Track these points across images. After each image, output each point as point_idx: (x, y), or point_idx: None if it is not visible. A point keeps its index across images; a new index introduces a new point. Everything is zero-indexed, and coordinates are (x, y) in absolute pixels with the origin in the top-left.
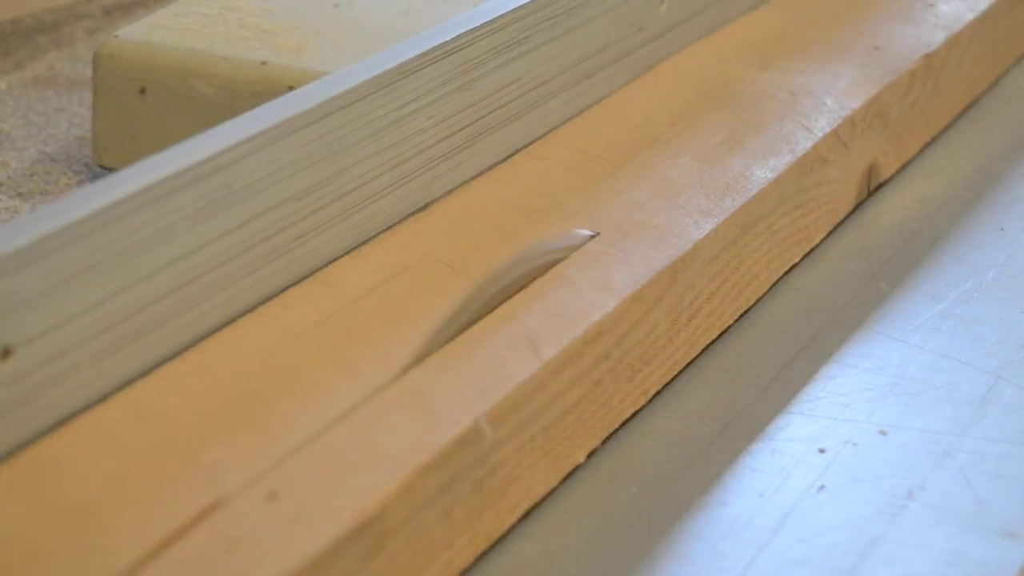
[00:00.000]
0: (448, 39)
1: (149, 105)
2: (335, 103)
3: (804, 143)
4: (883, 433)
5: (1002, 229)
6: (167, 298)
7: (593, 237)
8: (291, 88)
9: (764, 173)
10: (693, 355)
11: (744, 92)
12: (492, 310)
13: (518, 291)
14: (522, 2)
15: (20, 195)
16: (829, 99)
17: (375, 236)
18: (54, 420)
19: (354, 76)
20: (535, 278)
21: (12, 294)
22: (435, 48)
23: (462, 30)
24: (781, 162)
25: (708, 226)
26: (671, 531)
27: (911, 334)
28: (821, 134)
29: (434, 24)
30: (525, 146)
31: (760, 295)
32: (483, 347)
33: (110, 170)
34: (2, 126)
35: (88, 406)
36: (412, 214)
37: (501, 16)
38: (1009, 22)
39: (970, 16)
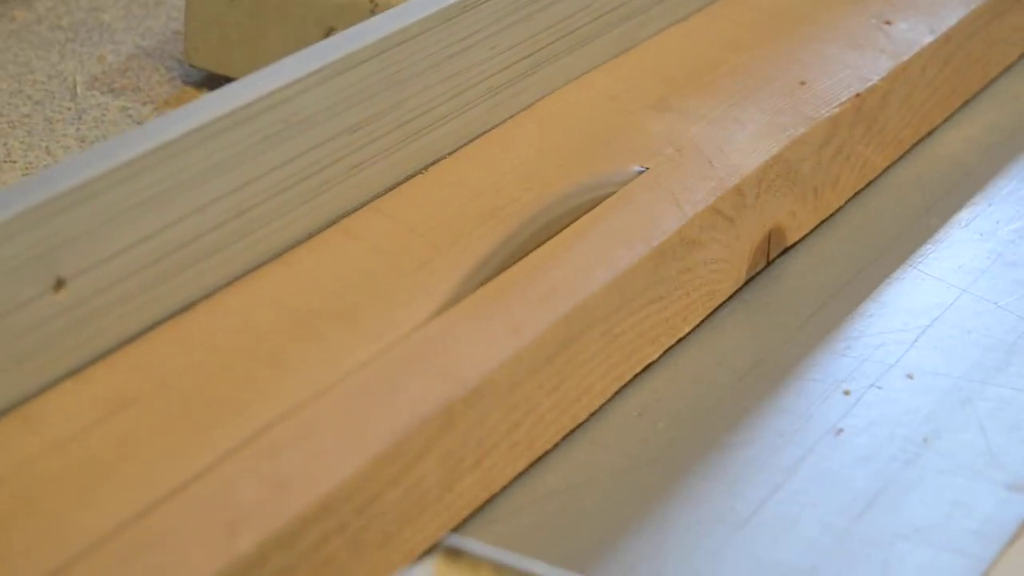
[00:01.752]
0: None
1: (237, 11)
2: (394, 39)
3: (669, 225)
4: (910, 377)
5: None
6: (219, 229)
7: (642, 172)
8: (373, 2)
9: (602, 273)
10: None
11: (624, 148)
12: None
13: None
14: None
15: (112, 91)
16: (720, 159)
17: (433, 163)
18: (105, 348)
19: (415, 11)
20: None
21: (64, 230)
22: None
23: None
24: (631, 254)
25: (507, 351)
26: (690, 469)
27: (954, 274)
28: (693, 212)
29: None
30: (583, 74)
31: (598, 406)
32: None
33: (200, 69)
34: (104, 16)
35: (140, 333)
36: (471, 141)
37: None
38: (984, 39)
39: (927, 39)
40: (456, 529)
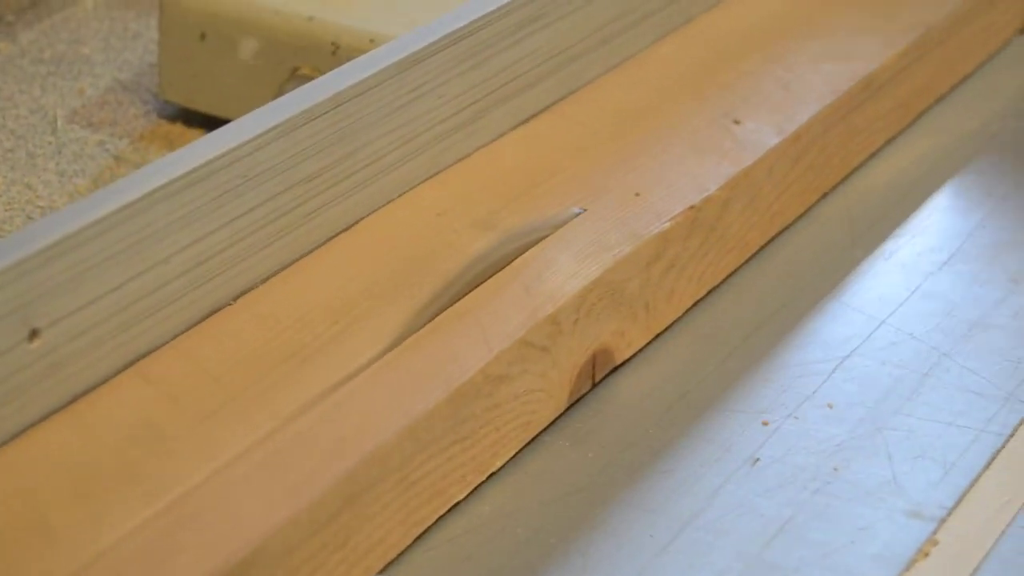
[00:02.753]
0: (461, 25)
1: (208, 49)
2: (347, 93)
3: (472, 364)
4: (829, 407)
5: None
6: (182, 277)
7: (579, 213)
8: (334, 44)
9: (396, 420)
10: None
11: (440, 273)
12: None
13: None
14: None
15: (91, 125)
16: (537, 285)
17: (382, 206)
18: (78, 391)
19: (367, 66)
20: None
21: (38, 286)
22: (447, 35)
23: (474, 16)
24: (428, 398)
25: (281, 515)
26: (615, 498)
27: (874, 304)
28: (500, 348)
29: None
30: (537, 113)
31: (395, 554)
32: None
33: (172, 104)
34: (84, 49)
35: (109, 377)
36: (420, 183)
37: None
38: (842, 132)
39: (774, 141)
40: (392, 561)
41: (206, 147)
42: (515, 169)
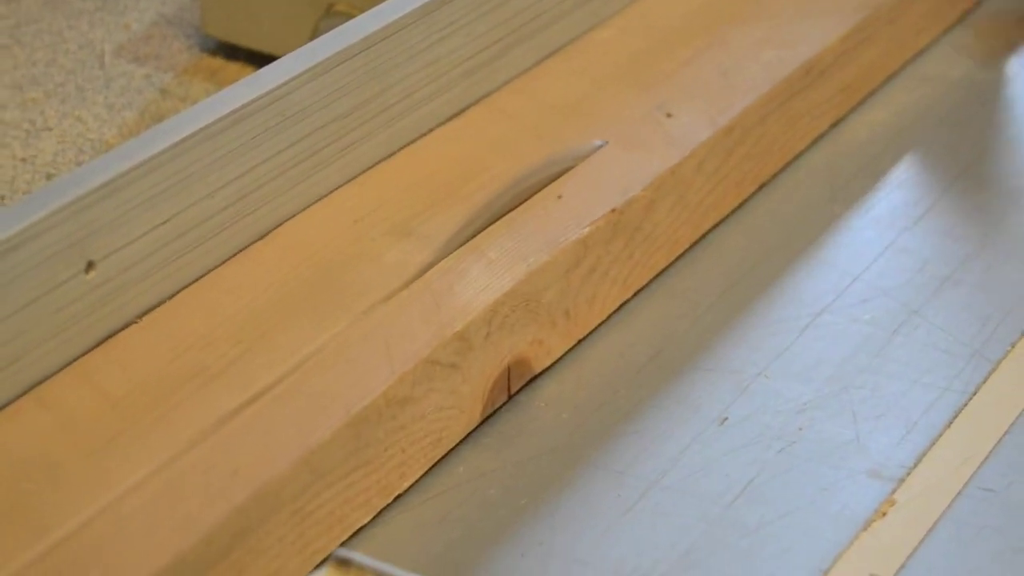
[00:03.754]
0: None
1: None
2: (378, 35)
3: (374, 386)
4: (793, 366)
5: None
6: (226, 210)
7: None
8: None
9: (291, 451)
10: None
11: (352, 286)
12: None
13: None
14: None
15: (137, 60)
16: (447, 299)
17: (415, 140)
18: (125, 320)
19: (396, 9)
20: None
21: (93, 221)
22: None
23: None
24: (325, 426)
25: (168, 555)
26: (585, 459)
27: (853, 262)
28: (403, 369)
29: None
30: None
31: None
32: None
33: (213, 38)
34: None
35: (156, 305)
36: (448, 120)
37: None
38: (781, 118)
39: (705, 134)
40: (362, 528)
41: (246, 89)
42: (439, 171)
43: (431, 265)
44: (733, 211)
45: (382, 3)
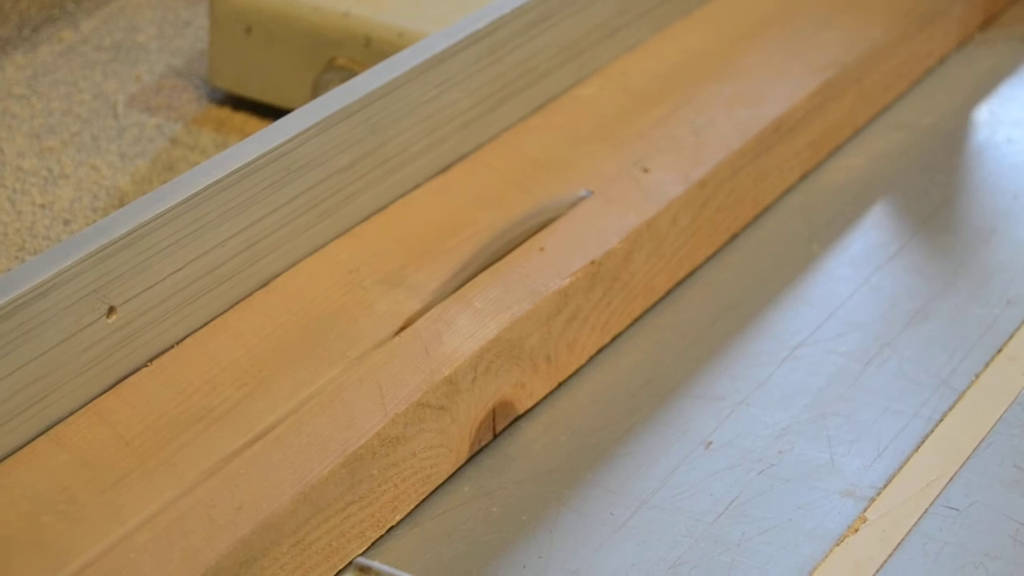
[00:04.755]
0: (480, 27)
1: (253, 41)
2: (378, 92)
3: (368, 427)
4: (773, 393)
5: None
6: (236, 257)
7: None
8: (367, 38)
9: (290, 487)
10: None
11: (347, 334)
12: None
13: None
14: None
15: (148, 110)
16: (436, 346)
17: (407, 193)
18: (143, 359)
19: (395, 67)
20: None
21: (114, 269)
22: (468, 36)
23: (493, 17)
24: (323, 463)
25: None
26: (581, 479)
27: (829, 299)
28: (395, 411)
29: None
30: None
31: None
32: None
33: (221, 90)
34: (140, 37)
35: (169, 347)
36: (437, 174)
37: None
38: (751, 173)
39: (679, 190)
40: (379, 539)
41: (254, 145)
42: (429, 223)
43: (421, 314)
44: (716, 251)
45: (383, 61)
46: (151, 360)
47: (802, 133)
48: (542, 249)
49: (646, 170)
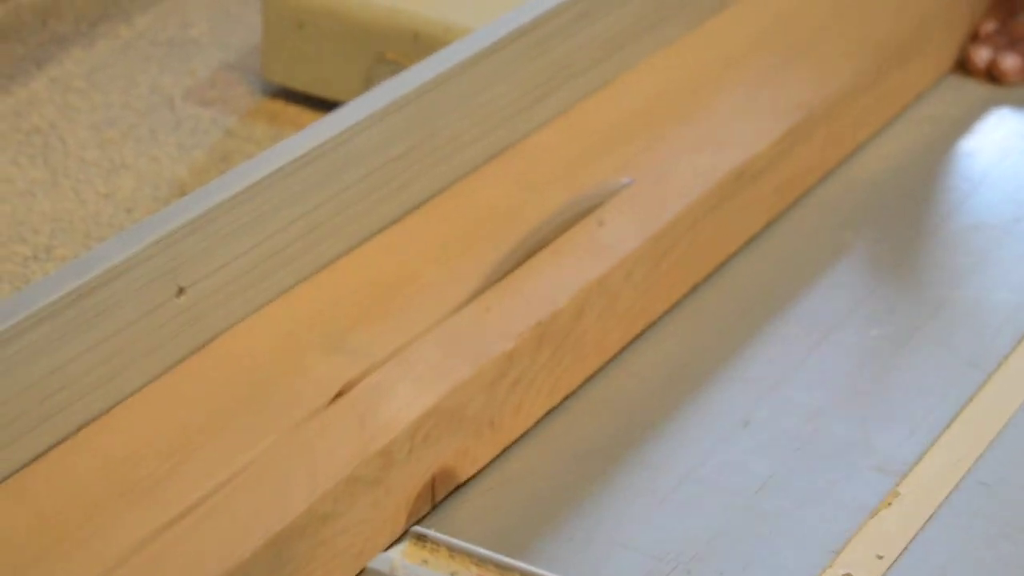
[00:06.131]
0: (526, 22)
1: (305, 36)
2: (430, 84)
3: (295, 506)
4: (807, 375)
5: None
6: (298, 241)
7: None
8: (414, 33)
9: (211, 568)
10: None
11: (282, 401)
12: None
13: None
14: None
15: (203, 103)
16: (371, 417)
17: (462, 177)
18: (207, 338)
19: (446, 59)
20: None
21: (185, 251)
22: (515, 31)
23: (538, 12)
24: (245, 546)
25: None
26: (623, 457)
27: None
28: (324, 488)
29: None
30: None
31: None
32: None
33: (273, 83)
34: (193, 32)
35: (240, 320)
36: (493, 157)
37: None
38: (714, 221)
39: (633, 245)
40: (428, 514)
41: (313, 135)
42: (373, 280)
43: (359, 380)
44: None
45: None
46: (76, 431)
47: (768, 179)
48: (488, 309)
49: (601, 223)
